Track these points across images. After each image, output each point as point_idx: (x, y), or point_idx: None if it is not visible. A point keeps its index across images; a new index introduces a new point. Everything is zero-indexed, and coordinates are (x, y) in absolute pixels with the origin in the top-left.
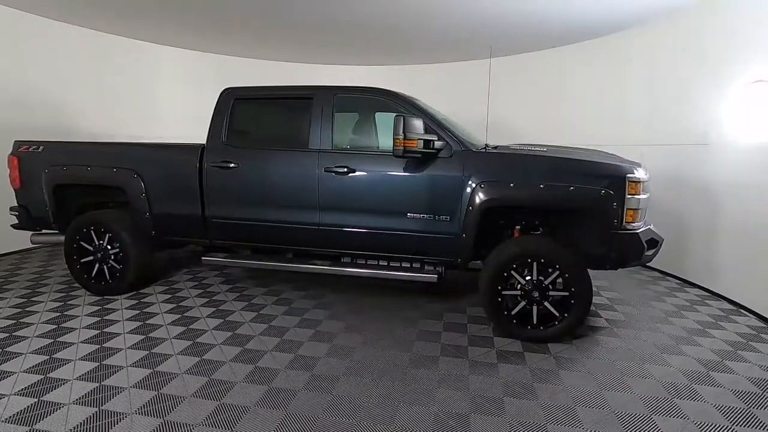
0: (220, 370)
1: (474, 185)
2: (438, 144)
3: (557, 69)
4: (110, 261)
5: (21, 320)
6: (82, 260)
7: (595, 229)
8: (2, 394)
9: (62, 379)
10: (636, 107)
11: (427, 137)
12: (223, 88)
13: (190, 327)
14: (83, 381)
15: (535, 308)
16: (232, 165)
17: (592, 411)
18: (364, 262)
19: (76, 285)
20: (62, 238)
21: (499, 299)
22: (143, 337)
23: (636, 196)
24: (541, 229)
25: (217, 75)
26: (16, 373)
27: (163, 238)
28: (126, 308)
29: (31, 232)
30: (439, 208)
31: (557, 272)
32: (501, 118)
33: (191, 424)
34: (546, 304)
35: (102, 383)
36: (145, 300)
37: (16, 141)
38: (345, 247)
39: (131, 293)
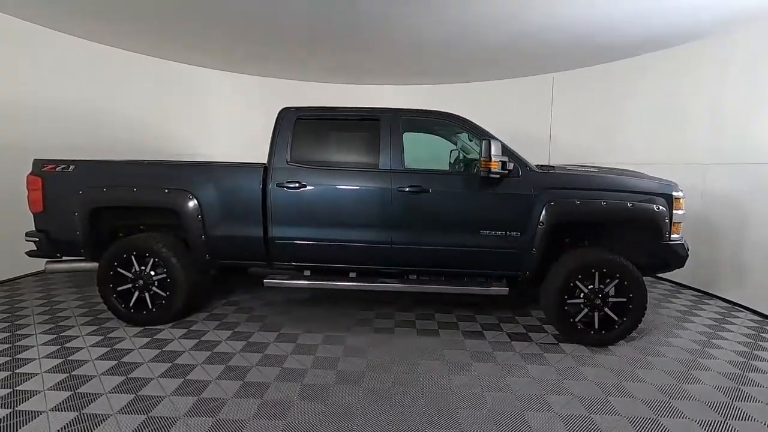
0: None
1: (544, 203)
2: (510, 165)
3: (616, 83)
4: (153, 288)
5: (70, 358)
6: (118, 288)
7: (647, 240)
8: None
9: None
10: (700, 123)
11: (504, 159)
12: (281, 108)
13: (266, 353)
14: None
15: (596, 314)
16: (300, 185)
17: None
18: (427, 278)
19: (105, 315)
20: (85, 265)
21: (566, 308)
22: (223, 366)
23: (679, 212)
24: (586, 242)
25: (259, 96)
26: None
27: (217, 261)
28: (181, 337)
29: (47, 260)
30: (511, 225)
31: (617, 280)
32: (554, 137)
33: None
34: (606, 309)
35: (216, 418)
36: (195, 328)
37: (36, 160)
38: (416, 265)
39: (172, 323)
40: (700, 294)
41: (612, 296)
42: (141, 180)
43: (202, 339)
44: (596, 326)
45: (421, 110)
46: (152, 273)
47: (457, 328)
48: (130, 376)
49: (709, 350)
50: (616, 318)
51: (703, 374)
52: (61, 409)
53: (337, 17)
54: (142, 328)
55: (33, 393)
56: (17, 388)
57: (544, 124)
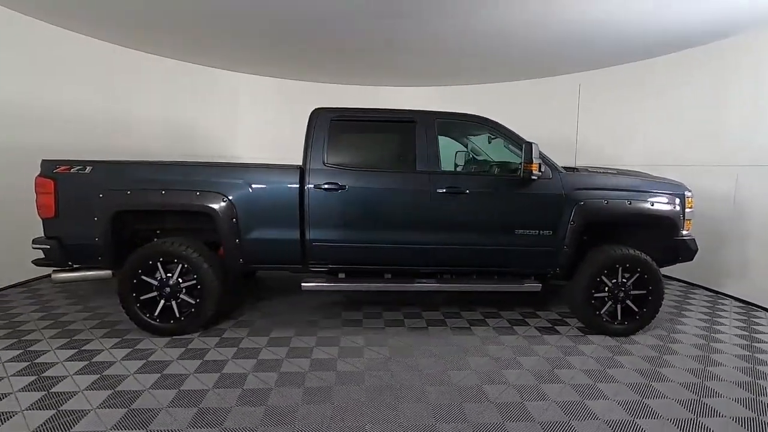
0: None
1: (574, 203)
2: (542, 167)
3: (644, 82)
4: (180, 296)
5: (106, 373)
6: (141, 297)
7: (663, 236)
8: None
9: None
10: (735, 124)
11: (540, 161)
12: (313, 109)
13: (314, 358)
14: None
15: (619, 307)
16: (338, 187)
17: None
18: (452, 277)
19: (123, 326)
20: (98, 273)
21: (592, 301)
22: (276, 373)
23: (690, 210)
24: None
25: (283, 97)
26: None
27: (251, 265)
28: (217, 346)
29: (54, 269)
30: (543, 224)
31: (638, 274)
32: (581, 137)
33: None
34: (628, 302)
35: None
36: (228, 336)
37: (45, 161)
38: (452, 264)
39: (199, 332)
40: (713, 294)
41: (633, 289)
42: (169, 182)
43: (240, 347)
44: (619, 318)
45: (455, 113)
46: (179, 280)
47: (487, 324)
48: (182, 389)
49: (716, 336)
50: (636, 309)
51: (721, 356)
52: (124, 427)
53: (363, 22)
54: (169, 338)
55: (82, 413)
56: (61, 408)
57: (569, 126)
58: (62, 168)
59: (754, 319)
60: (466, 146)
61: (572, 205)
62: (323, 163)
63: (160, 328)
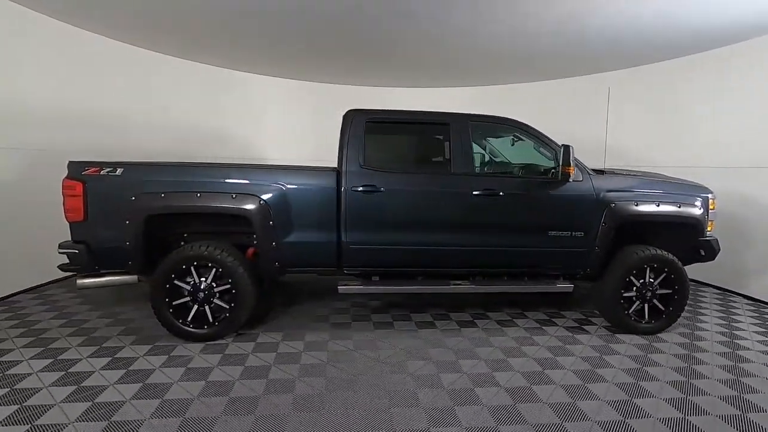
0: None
1: (605, 205)
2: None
3: (674, 81)
4: (213, 301)
5: (148, 381)
6: (174, 303)
7: (688, 236)
8: None
9: None
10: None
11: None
12: (348, 110)
13: (359, 362)
14: None
15: (646, 306)
16: (376, 189)
17: None
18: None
19: (152, 332)
20: (124, 278)
21: (621, 301)
22: (324, 378)
23: (713, 211)
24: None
25: (299, 99)
26: None
27: (286, 269)
28: (255, 351)
29: (79, 275)
30: (576, 226)
31: (664, 274)
32: (610, 138)
33: None
34: (654, 301)
35: None
36: (262, 340)
37: (72, 162)
38: (485, 266)
39: (232, 336)
40: (721, 292)
41: (659, 289)
42: (205, 184)
43: (279, 351)
44: (646, 317)
45: (487, 115)
46: (213, 284)
47: (517, 325)
48: (231, 396)
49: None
50: (663, 308)
51: (748, 353)
52: None
53: (389, 25)
54: (204, 344)
55: (136, 424)
56: (112, 419)
57: (598, 127)
58: (91, 170)
59: (766, 315)
60: (484, 148)
61: (603, 206)
62: (360, 165)
63: (194, 334)
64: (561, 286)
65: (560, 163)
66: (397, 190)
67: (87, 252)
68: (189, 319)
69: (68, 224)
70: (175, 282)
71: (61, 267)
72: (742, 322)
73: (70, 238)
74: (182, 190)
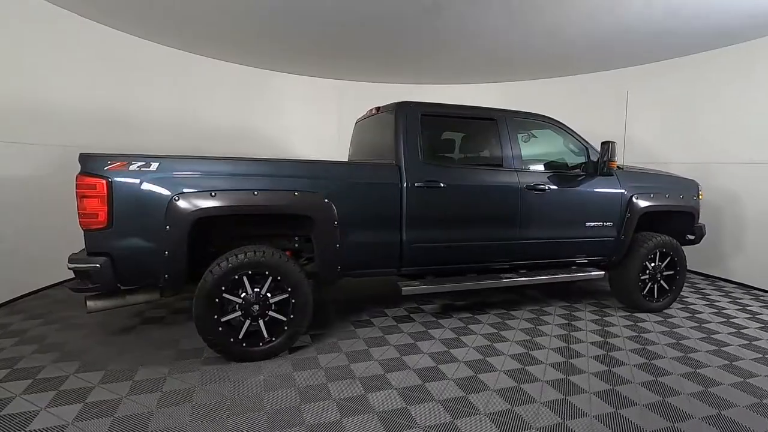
0: None
1: (629, 197)
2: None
3: (690, 79)
4: (268, 313)
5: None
6: (223, 319)
7: (686, 223)
8: None
9: None
10: None
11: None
12: (398, 102)
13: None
14: None
15: (655, 286)
16: (437, 184)
17: None
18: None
19: (198, 355)
20: (145, 296)
21: (639, 283)
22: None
23: (701, 201)
24: None
25: (323, 96)
26: None
27: (348, 273)
28: (329, 366)
29: (88, 295)
30: (606, 216)
31: (669, 257)
32: (630, 135)
33: None
34: (661, 281)
35: None
36: (322, 352)
37: (88, 155)
38: (532, 258)
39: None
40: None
41: (665, 271)
42: (263, 180)
43: (358, 361)
44: (656, 296)
45: (526, 112)
46: (269, 295)
47: (550, 313)
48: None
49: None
50: (667, 288)
51: (739, 320)
52: None
53: (416, 23)
54: (250, 363)
55: None
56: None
57: (617, 122)
58: (117, 164)
59: (732, 294)
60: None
61: (627, 198)
62: (420, 159)
63: (250, 353)
64: (595, 274)
65: (607, 158)
66: (457, 186)
67: (111, 266)
68: (241, 336)
69: (83, 232)
70: (225, 295)
71: (74, 288)
72: (718, 301)
73: (84, 249)
74: (236, 188)
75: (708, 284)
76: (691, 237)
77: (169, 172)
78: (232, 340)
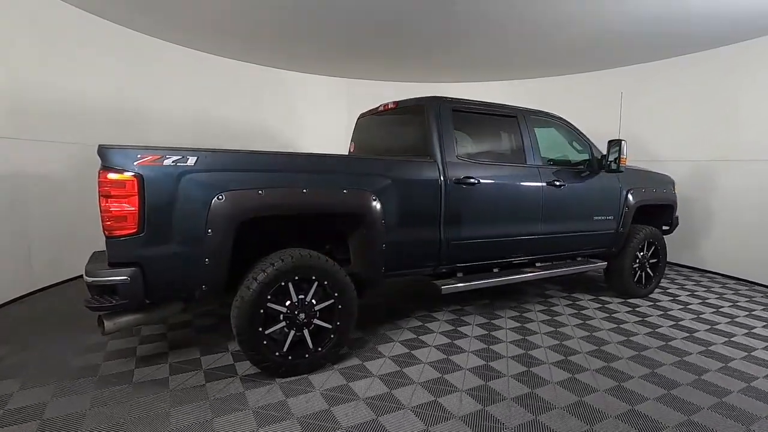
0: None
1: (626, 191)
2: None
3: (689, 76)
4: (313, 322)
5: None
6: (267, 332)
7: (667, 215)
8: None
9: None
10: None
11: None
12: (428, 97)
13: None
14: None
15: (642, 274)
16: (473, 181)
17: None
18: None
19: (236, 372)
20: (169, 309)
21: (632, 271)
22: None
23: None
24: None
25: (336, 96)
26: None
27: (389, 273)
28: (392, 377)
29: (103, 313)
30: (608, 210)
31: (654, 247)
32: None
33: None
34: (648, 270)
35: None
36: (369, 357)
37: (110, 147)
38: (549, 252)
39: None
40: None
41: (651, 259)
42: (309, 178)
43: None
44: (643, 283)
45: (541, 110)
46: (313, 302)
47: (557, 313)
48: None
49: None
50: (652, 274)
51: (714, 300)
52: None
53: (424, 23)
54: (297, 377)
55: None
56: None
57: (613, 120)
58: (150, 157)
59: (693, 277)
60: None
61: (625, 193)
62: (455, 156)
63: (297, 366)
64: (600, 264)
65: (618, 156)
66: (490, 182)
67: (142, 279)
68: (285, 349)
69: (106, 239)
70: (269, 305)
71: (93, 306)
72: (688, 284)
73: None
74: (283, 185)
75: (675, 273)
76: (667, 227)
77: (210, 168)
78: (277, 354)
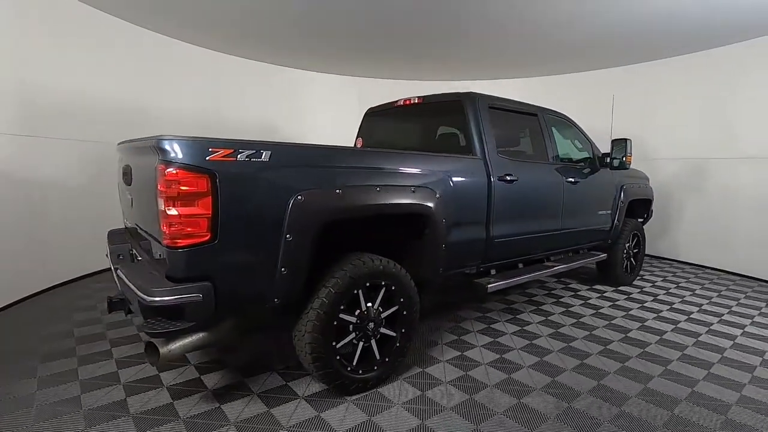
0: None
1: (621, 188)
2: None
3: (684, 75)
4: (379, 331)
5: None
6: (338, 345)
7: (646, 208)
8: None
9: None
10: None
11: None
12: (465, 92)
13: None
14: None
15: (627, 263)
16: (513, 178)
17: None
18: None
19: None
20: (227, 326)
21: (621, 261)
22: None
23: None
24: None
25: (344, 94)
26: None
27: (446, 274)
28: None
29: (159, 338)
30: (608, 205)
31: (637, 237)
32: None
33: None
34: (632, 259)
35: None
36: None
37: (180, 139)
38: (564, 247)
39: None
40: None
41: (633, 250)
42: (380, 176)
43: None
44: (629, 271)
45: (554, 110)
46: (380, 309)
47: (568, 304)
48: None
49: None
50: (634, 263)
51: (694, 286)
52: None
53: (431, 20)
54: (361, 394)
55: None
56: None
57: (604, 119)
58: (222, 152)
59: (673, 267)
60: None
61: (620, 189)
62: (496, 153)
63: (368, 381)
64: (602, 256)
65: (624, 154)
66: (526, 179)
67: (213, 296)
68: (355, 362)
69: (167, 250)
70: (341, 316)
71: (154, 332)
72: (665, 273)
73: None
74: (359, 184)
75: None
76: (641, 220)
77: (285, 164)
78: (349, 369)
